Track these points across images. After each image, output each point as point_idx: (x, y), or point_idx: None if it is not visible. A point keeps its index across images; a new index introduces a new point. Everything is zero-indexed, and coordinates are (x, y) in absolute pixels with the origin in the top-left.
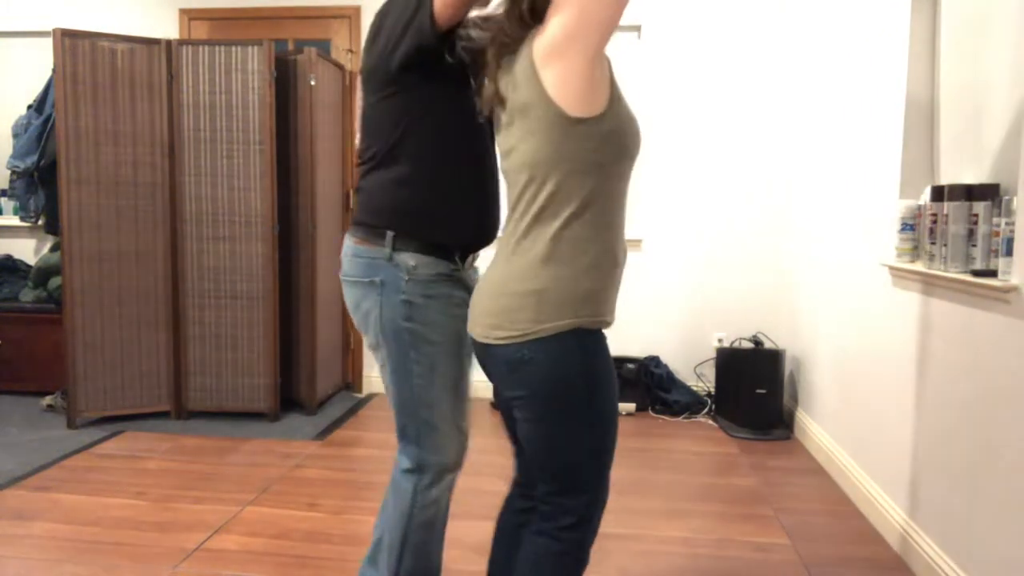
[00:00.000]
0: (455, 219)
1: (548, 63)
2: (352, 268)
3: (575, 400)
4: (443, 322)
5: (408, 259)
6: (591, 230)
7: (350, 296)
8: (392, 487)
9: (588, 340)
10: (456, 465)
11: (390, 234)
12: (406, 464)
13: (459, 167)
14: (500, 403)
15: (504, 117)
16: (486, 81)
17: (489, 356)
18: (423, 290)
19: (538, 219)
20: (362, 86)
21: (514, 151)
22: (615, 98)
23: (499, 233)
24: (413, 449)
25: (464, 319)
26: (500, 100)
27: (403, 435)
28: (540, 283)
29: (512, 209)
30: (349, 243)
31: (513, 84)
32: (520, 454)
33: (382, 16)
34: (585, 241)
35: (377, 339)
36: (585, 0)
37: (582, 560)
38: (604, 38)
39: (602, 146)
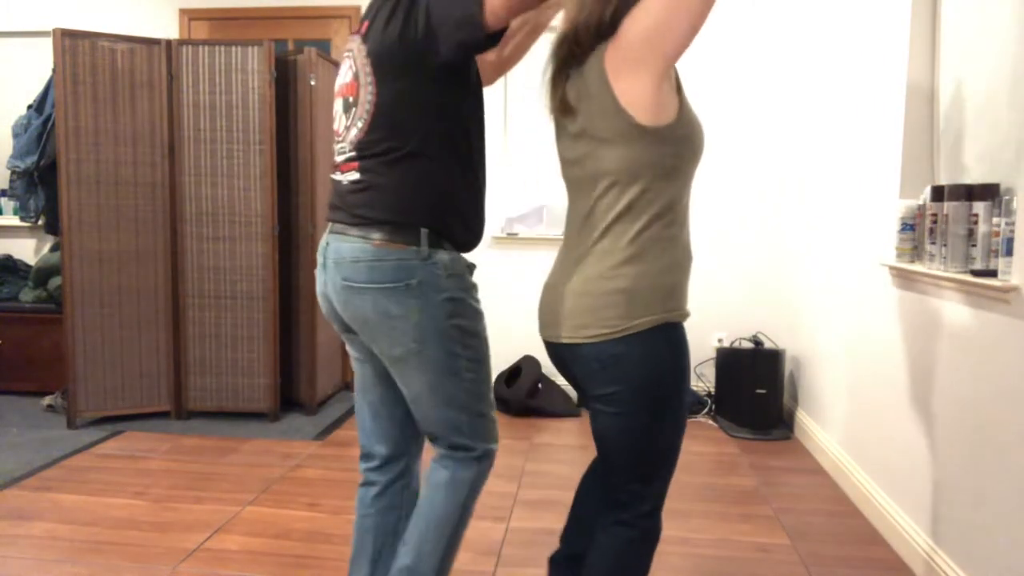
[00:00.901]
0: (475, 217)
1: (622, 75)
2: (373, 274)
3: (664, 392)
4: (480, 312)
5: (443, 255)
6: (671, 228)
7: (372, 306)
8: (437, 487)
9: (673, 334)
10: None
11: (425, 231)
12: (469, 456)
13: (479, 166)
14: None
15: (572, 127)
16: (550, 91)
17: (576, 356)
18: (461, 284)
19: (618, 221)
20: (373, 71)
21: (587, 160)
22: (683, 102)
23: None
24: (467, 442)
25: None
26: (568, 110)
27: (456, 435)
28: (627, 281)
29: (584, 216)
30: (363, 246)
31: (585, 95)
32: None
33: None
34: (666, 240)
35: (416, 346)
36: (665, 13)
37: (656, 541)
38: (681, 50)
39: (678, 151)
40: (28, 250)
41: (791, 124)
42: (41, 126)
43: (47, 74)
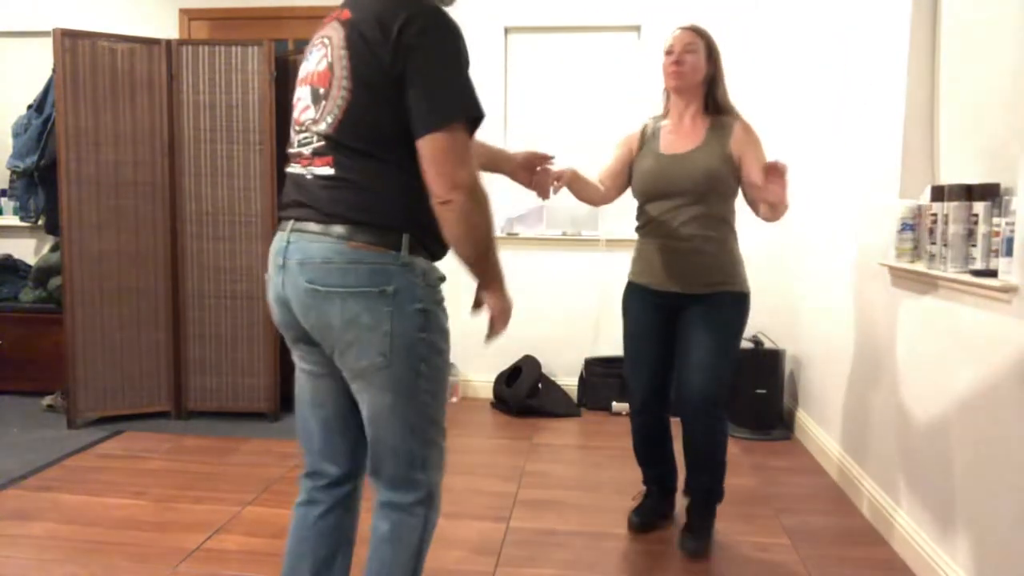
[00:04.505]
0: (438, 228)
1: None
2: (347, 277)
3: (739, 330)
4: (447, 331)
5: (422, 263)
6: (734, 227)
7: (341, 312)
8: (390, 534)
9: (747, 296)
10: None
11: (406, 236)
12: (412, 497)
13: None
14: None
15: None
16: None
17: (707, 298)
18: (434, 296)
19: (721, 221)
20: (350, 71)
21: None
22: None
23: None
24: (421, 476)
25: None
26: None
27: (409, 466)
28: (733, 259)
29: (690, 214)
30: (336, 247)
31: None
32: (668, 377)
33: (401, 23)
34: (734, 233)
35: (383, 359)
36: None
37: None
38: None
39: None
40: (28, 250)
41: (791, 124)
42: (41, 126)
43: (47, 74)
